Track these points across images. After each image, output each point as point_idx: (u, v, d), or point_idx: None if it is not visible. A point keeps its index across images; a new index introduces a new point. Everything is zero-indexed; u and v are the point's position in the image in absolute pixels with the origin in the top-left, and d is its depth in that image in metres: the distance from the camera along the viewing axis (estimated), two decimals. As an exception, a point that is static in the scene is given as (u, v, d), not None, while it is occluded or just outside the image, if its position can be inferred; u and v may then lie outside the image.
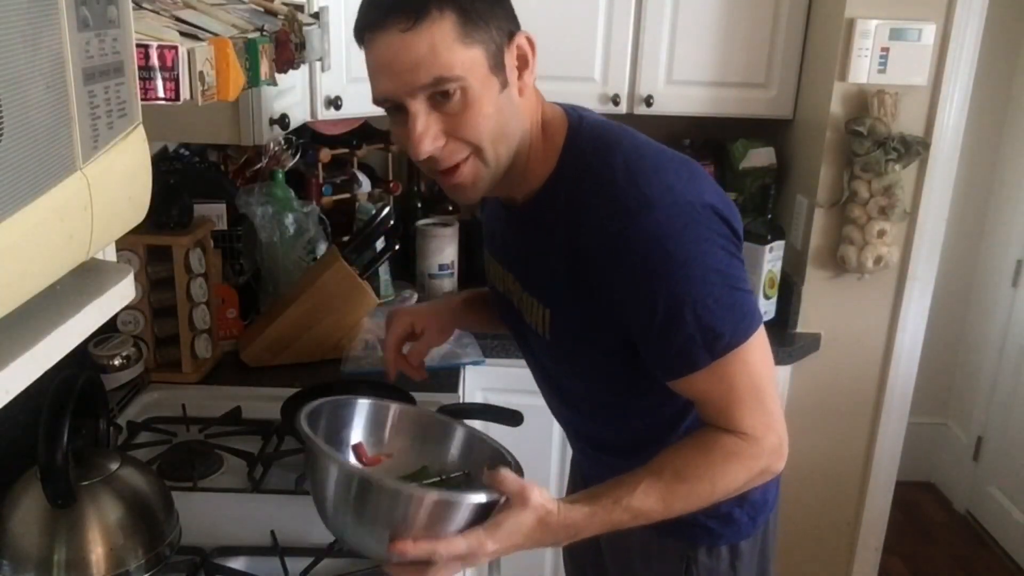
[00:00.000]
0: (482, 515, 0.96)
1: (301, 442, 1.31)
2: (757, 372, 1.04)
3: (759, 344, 1.04)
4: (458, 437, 1.16)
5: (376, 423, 1.14)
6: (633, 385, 1.14)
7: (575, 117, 1.09)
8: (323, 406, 1.09)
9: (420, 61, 0.94)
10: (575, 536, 1.01)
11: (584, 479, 1.40)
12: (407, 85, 0.96)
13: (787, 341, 2.19)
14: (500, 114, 1.00)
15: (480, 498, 0.95)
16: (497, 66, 0.98)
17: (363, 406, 1.13)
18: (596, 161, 1.04)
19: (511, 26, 1.01)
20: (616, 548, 1.34)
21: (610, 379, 1.15)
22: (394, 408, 1.16)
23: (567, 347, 1.14)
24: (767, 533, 1.29)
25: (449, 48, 0.94)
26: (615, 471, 1.05)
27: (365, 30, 0.97)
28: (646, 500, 1.01)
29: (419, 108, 0.97)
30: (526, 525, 0.96)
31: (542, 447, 2.07)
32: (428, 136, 0.98)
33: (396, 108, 1.00)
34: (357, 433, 1.12)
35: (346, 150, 2.29)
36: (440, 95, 0.96)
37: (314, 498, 1.01)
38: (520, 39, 1.01)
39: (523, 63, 1.02)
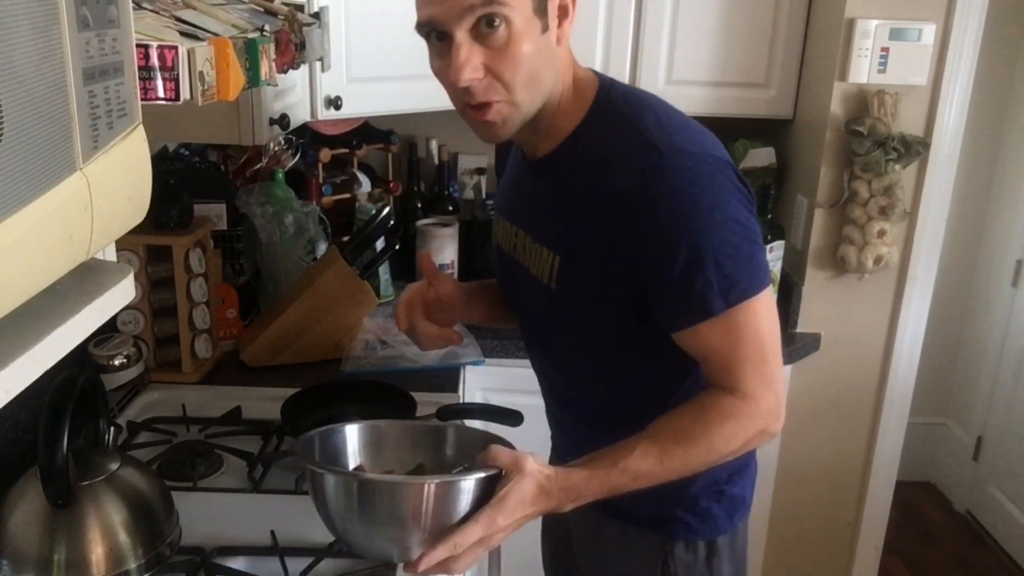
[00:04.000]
0: (486, 496, 0.98)
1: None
2: (764, 328, 1.06)
3: (768, 300, 1.07)
4: (451, 437, 1.18)
5: (369, 443, 1.15)
6: (628, 344, 1.15)
7: (607, 79, 1.14)
8: (313, 438, 1.10)
9: None
10: (577, 499, 1.03)
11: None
12: (456, 8, 0.98)
13: (787, 341, 2.18)
14: (538, 56, 1.03)
15: (478, 475, 0.97)
16: (541, 8, 1.02)
17: (352, 431, 1.14)
18: (629, 113, 1.08)
19: None
20: (592, 543, 1.34)
21: (606, 334, 1.16)
22: (384, 425, 1.18)
23: (571, 296, 1.14)
24: (743, 534, 1.30)
25: None
26: (595, 449, 1.07)
27: None
28: (644, 461, 1.03)
29: (463, 37, 0.99)
30: (529, 493, 0.98)
31: (542, 447, 2.06)
32: (469, 65, 1.00)
33: (439, 37, 1.02)
34: (353, 458, 1.13)
35: (346, 150, 2.29)
36: (486, 24, 0.98)
37: (324, 520, 1.02)
38: None
39: (563, 12, 1.06)
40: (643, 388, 1.18)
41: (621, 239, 1.05)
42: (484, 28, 0.98)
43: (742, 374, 1.05)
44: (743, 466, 1.26)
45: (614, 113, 1.09)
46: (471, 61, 1.00)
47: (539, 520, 1.53)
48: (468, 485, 0.97)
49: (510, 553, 1.66)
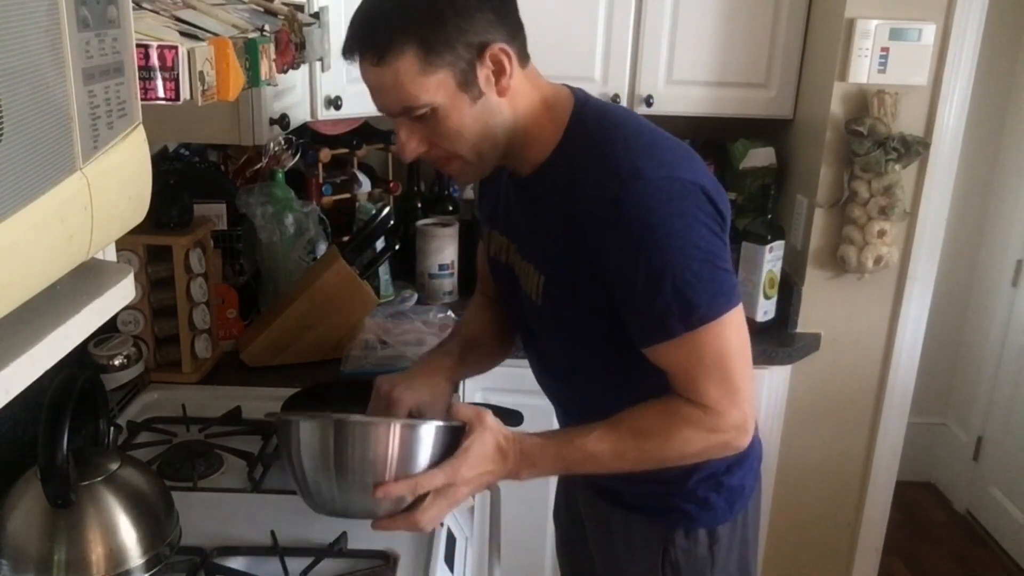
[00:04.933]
0: (450, 451, 1.06)
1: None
2: (728, 348, 1.08)
3: (734, 321, 1.08)
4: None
5: None
6: (615, 354, 1.17)
7: (581, 97, 1.16)
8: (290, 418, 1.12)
9: (388, 91, 1.05)
10: (532, 467, 1.10)
11: None
12: (384, 108, 1.08)
13: (787, 341, 2.19)
14: (476, 121, 1.07)
15: (442, 423, 1.06)
16: (467, 82, 1.05)
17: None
18: (598, 135, 1.10)
19: (485, 37, 1.04)
20: (599, 534, 1.38)
21: (593, 346, 1.19)
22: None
23: (556, 312, 1.18)
24: (747, 520, 1.32)
25: (412, 80, 1.03)
26: None
27: (345, 55, 1.08)
28: (598, 444, 1.10)
29: (401, 122, 1.09)
30: (490, 448, 1.07)
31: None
32: (411, 145, 1.09)
33: None
34: None
35: (346, 150, 2.29)
36: (413, 114, 1.06)
37: (296, 478, 1.07)
38: (493, 50, 1.05)
39: (499, 71, 1.07)
40: (634, 392, 1.19)
41: (590, 263, 1.09)
42: (414, 115, 1.06)
43: (705, 390, 1.08)
44: (742, 458, 1.27)
45: (585, 137, 1.11)
46: (411, 141, 1.09)
47: (547, 505, 1.58)
48: (429, 430, 1.05)
49: (511, 549, 1.66)
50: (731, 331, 1.08)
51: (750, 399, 1.11)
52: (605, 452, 1.10)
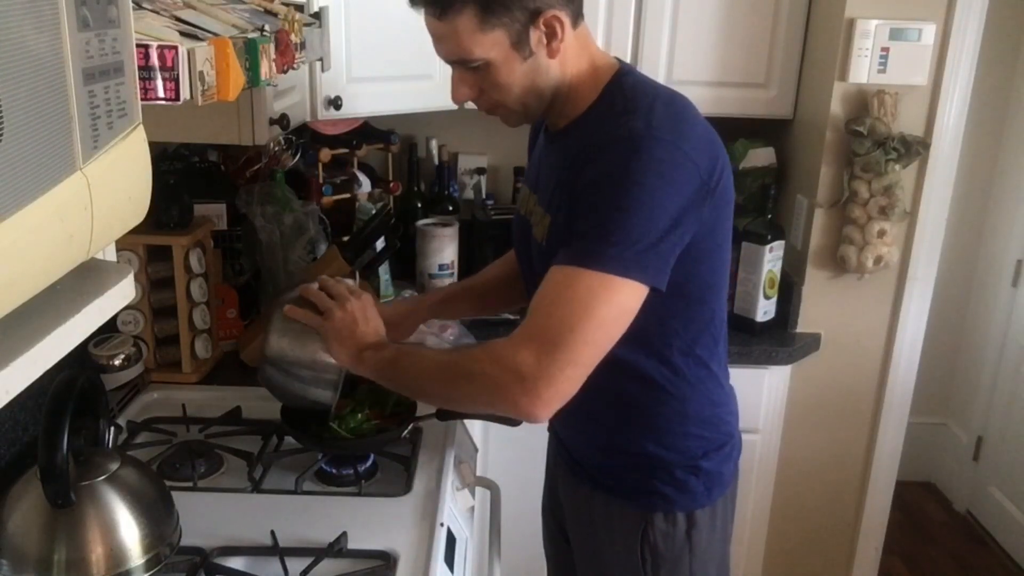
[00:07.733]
0: None
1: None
2: (590, 310, 1.06)
3: (619, 292, 1.06)
4: None
5: None
6: None
7: (627, 68, 1.23)
8: None
9: (446, 42, 1.14)
10: (378, 351, 1.26)
11: (557, 437, 1.47)
12: (441, 55, 1.17)
13: (787, 341, 2.19)
14: (525, 77, 1.16)
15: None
16: (520, 43, 1.13)
17: None
18: (632, 95, 1.16)
19: (541, 3, 1.12)
20: (579, 519, 1.40)
21: None
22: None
23: (552, 252, 1.18)
24: (725, 512, 1.34)
25: (470, 36, 1.11)
26: (580, 420, 1.23)
27: (411, 4, 1.16)
28: (426, 351, 1.30)
29: (455, 69, 1.18)
30: (378, 317, 1.32)
31: (541, 446, 2.07)
32: (461, 91, 1.19)
33: None
34: None
35: (346, 150, 2.29)
36: (468, 65, 1.14)
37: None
38: (546, 17, 1.12)
39: (551, 34, 1.13)
40: (629, 353, 1.19)
41: (574, 188, 1.12)
42: (468, 67, 1.15)
43: (527, 323, 1.09)
44: (720, 444, 1.30)
45: (620, 96, 1.16)
46: (462, 87, 1.19)
47: (540, 498, 1.62)
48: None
49: (511, 549, 1.66)
50: (609, 297, 1.06)
51: (558, 367, 1.05)
52: (425, 354, 1.25)
